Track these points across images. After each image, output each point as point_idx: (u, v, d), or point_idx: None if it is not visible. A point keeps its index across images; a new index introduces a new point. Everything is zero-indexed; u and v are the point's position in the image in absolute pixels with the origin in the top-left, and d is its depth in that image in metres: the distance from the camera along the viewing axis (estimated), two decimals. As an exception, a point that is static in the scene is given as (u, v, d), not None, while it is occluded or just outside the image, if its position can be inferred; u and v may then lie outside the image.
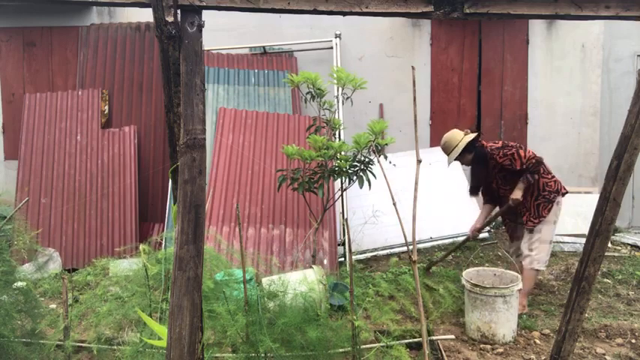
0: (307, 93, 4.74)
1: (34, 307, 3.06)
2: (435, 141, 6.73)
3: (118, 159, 5.98)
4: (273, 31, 6.82)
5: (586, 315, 2.83)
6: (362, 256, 5.58)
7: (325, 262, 5.04)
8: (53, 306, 4.33)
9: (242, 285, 2.79)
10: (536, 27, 6.84)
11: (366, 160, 4.63)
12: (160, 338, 2.00)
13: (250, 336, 2.64)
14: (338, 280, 4.46)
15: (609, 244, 5.55)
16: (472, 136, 4.24)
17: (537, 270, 4.21)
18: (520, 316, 3.99)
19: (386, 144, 4.59)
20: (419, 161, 2.37)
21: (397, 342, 2.89)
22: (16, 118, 6.85)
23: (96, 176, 5.90)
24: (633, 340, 3.68)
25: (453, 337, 3.70)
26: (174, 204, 1.92)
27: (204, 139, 1.87)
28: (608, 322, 3.92)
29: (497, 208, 4.51)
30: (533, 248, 4.17)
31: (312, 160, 4.61)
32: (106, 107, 6.34)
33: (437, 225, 5.89)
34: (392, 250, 5.68)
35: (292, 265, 4.98)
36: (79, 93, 6.24)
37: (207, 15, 1.95)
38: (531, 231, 4.19)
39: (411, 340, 3.43)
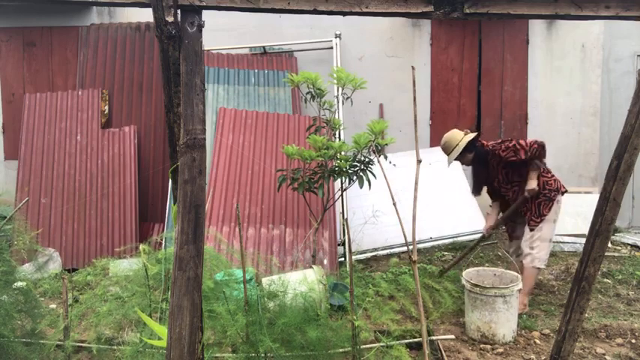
0: (307, 93, 4.74)
1: (34, 307, 3.06)
2: (435, 141, 6.73)
3: (118, 159, 5.97)
4: (273, 31, 6.82)
5: (586, 315, 2.83)
6: (362, 256, 5.58)
7: (325, 262, 5.04)
8: (53, 306, 4.33)
9: (242, 285, 2.78)
10: (536, 27, 6.84)
11: (366, 160, 4.63)
12: (159, 338, 2.01)
13: (250, 336, 2.64)
14: (338, 280, 4.46)
15: (609, 244, 5.55)
16: (472, 135, 4.25)
17: (538, 268, 4.21)
18: (520, 316, 3.99)
19: (386, 144, 4.59)
20: (419, 161, 2.37)
21: (397, 342, 2.89)
22: (16, 118, 6.85)
23: (96, 176, 5.89)
24: (633, 340, 3.68)
25: (453, 337, 3.70)
26: (174, 204, 1.92)
27: (204, 139, 1.87)
28: (608, 322, 3.92)
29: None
30: (534, 246, 4.17)
31: (312, 160, 4.61)
32: (106, 107, 6.34)
33: (437, 225, 5.89)
34: (392, 250, 5.68)
35: (292, 265, 4.98)
36: (79, 93, 6.24)
37: (207, 15, 1.95)
38: (532, 229, 4.19)
39: (411, 340, 3.43)
